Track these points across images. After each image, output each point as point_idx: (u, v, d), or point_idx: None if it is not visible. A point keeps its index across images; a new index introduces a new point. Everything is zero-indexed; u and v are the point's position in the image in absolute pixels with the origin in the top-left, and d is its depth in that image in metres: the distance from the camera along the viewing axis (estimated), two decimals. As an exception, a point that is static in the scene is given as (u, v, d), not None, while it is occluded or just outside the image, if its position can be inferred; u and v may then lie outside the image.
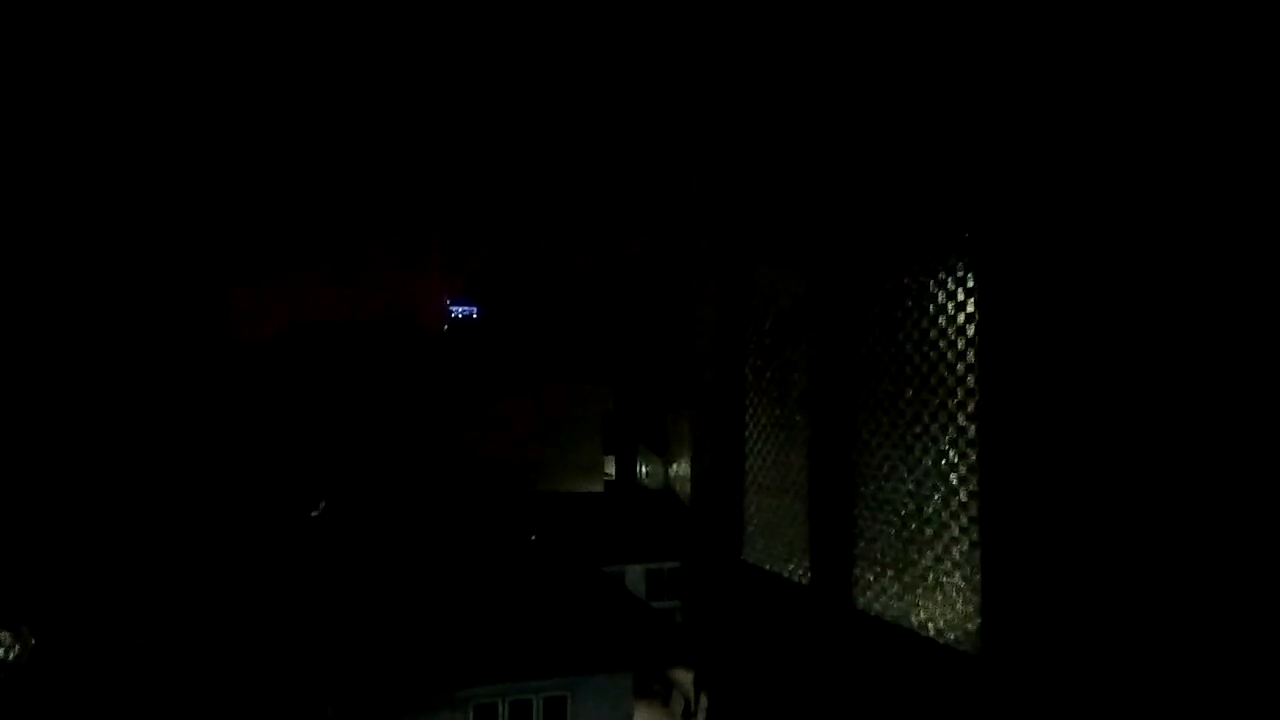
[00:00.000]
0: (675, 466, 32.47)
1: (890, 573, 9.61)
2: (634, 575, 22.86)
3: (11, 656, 14.74)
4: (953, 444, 8.79)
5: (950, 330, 8.96)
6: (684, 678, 20.19)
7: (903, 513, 9.42)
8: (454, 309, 41.99)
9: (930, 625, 8.90)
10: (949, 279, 8.95)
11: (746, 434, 13.42)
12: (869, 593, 10.02)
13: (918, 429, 9.20)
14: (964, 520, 8.60)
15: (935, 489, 8.96)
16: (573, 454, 30.52)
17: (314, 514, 23.37)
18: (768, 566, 12.46)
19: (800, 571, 11.69)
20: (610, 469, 33.08)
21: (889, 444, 9.71)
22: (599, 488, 30.96)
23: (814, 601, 10.90)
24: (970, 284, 8.60)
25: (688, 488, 31.46)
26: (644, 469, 33.77)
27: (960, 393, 8.72)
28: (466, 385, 30.64)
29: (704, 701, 19.78)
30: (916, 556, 9.23)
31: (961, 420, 8.62)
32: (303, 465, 25.21)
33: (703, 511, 14.98)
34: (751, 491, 13.37)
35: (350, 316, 33.18)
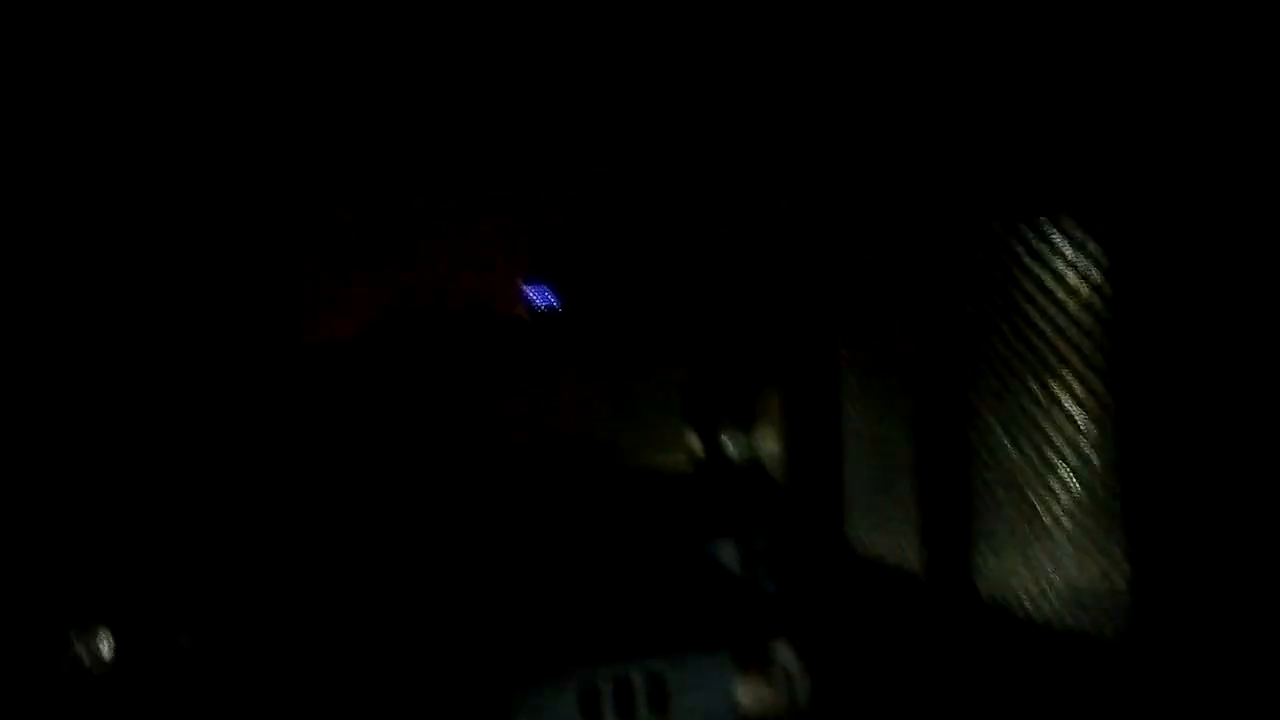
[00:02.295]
0: (761, 440, 32.09)
1: (1016, 556, 9.08)
2: (728, 551, 22.71)
3: (108, 654, 15.42)
4: (1084, 407, 8.21)
5: (1075, 279, 8.26)
6: (787, 653, 20.02)
7: (1028, 490, 8.85)
8: (532, 292, 42.25)
9: (1063, 612, 8.39)
10: (1073, 224, 8.23)
11: (843, 412, 13.01)
12: (992, 577, 9.52)
13: (1039, 393, 8.62)
14: (1103, 494, 8.01)
15: (1066, 461, 8.40)
16: (654, 431, 30.47)
17: (413, 498, 23.99)
18: (872, 548, 12.10)
19: (910, 554, 11.27)
20: (695, 443, 32.92)
21: (1006, 413, 9.11)
22: (684, 464, 30.86)
23: (928, 585, 10.48)
24: (1100, 228, 7.90)
25: (774, 461, 31.03)
26: (729, 444, 33.50)
27: (1090, 350, 8.06)
28: (547, 366, 30.89)
29: (806, 677, 19.58)
30: (1047, 538, 8.67)
31: (1094, 382, 8.00)
32: (395, 454, 25.89)
33: (798, 491, 14.70)
34: (850, 471, 12.95)
35: (434, 304, 33.74)
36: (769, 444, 31.44)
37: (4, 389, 13.44)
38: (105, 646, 15.85)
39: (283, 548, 18.44)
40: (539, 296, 43.21)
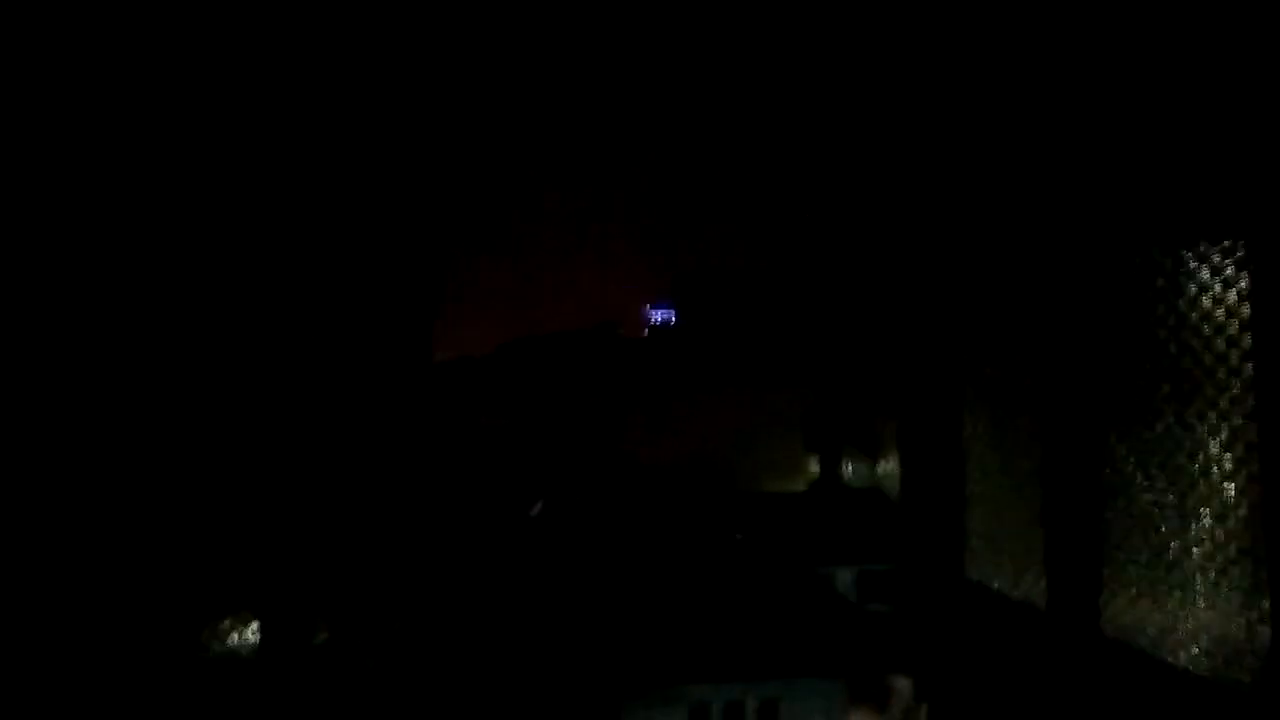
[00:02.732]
0: (883, 465, 31.35)
1: (1148, 597, 8.63)
2: (844, 577, 22.35)
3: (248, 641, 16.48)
4: (1226, 446, 7.73)
5: (1218, 311, 7.85)
6: (903, 685, 19.47)
7: (1163, 529, 8.41)
8: (654, 314, 43.01)
9: (1197, 657, 7.95)
10: (1215, 252, 7.86)
11: (966, 444, 12.71)
12: (1121, 618, 9.09)
13: (1179, 430, 8.19)
14: (1248, 540, 7.50)
15: (1206, 500, 7.94)
16: (774, 454, 30.35)
17: (533, 513, 25.00)
18: (994, 584, 11.73)
19: (1035, 591, 10.88)
20: (814, 468, 32.52)
21: (1143, 448, 8.70)
22: (801, 487, 30.54)
23: (1052, 621, 10.08)
24: (1245, 257, 7.48)
25: (896, 486, 30.27)
26: (849, 468, 32.89)
27: (1234, 384, 7.63)
28: (666, 389, 31.39)
29: (924, 713, 18.96)
30: (1183, 579, 8.18)
31: (1237, 418, 7.56)
32: (523, 469, 27.03)
33: (916, 522, 14.39)
34: (973, 504, 12.62)
35: (559, 328, 34.98)
36: (890, 471, 30.67)
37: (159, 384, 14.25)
38: (251, 635, 17.15)
39: (415, 554, 19.61)
40: (663, 317, 44.04)
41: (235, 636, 16.60)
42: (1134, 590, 8.89)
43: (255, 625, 16.83)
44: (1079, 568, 9.72)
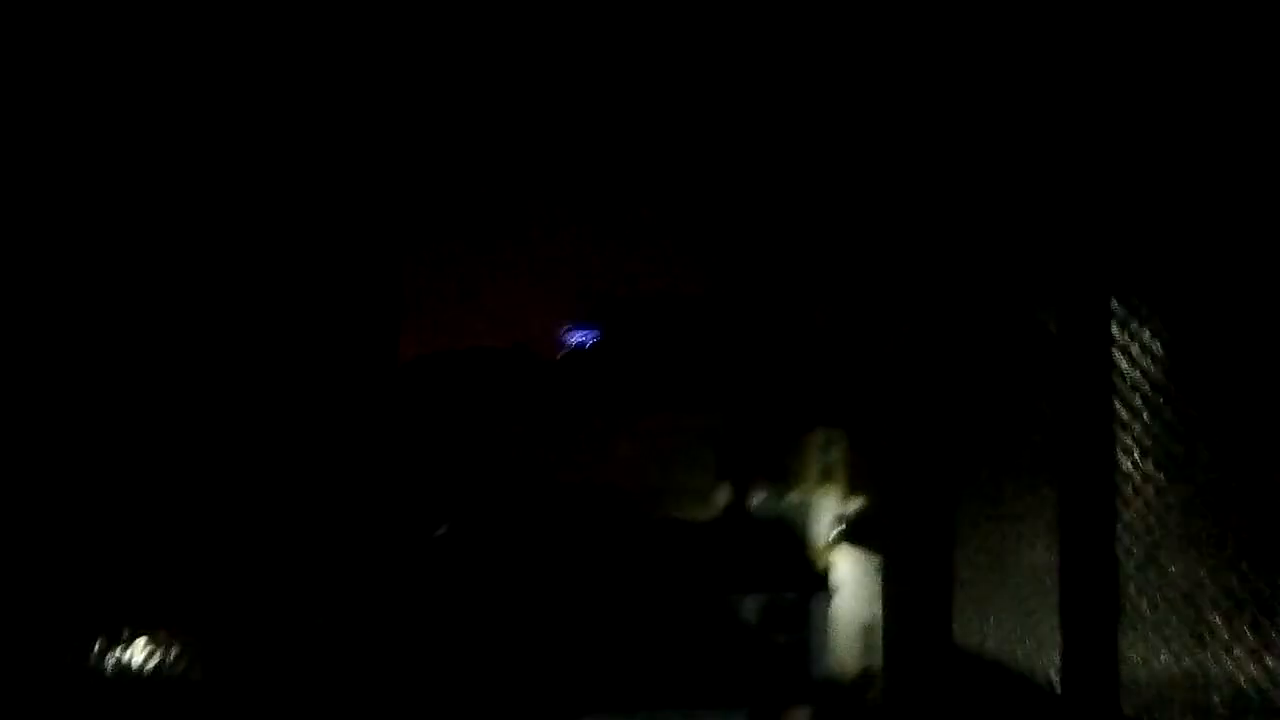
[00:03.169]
0: (791, 495, 31.67)
1: (1175, 671, 8.08)
2: (748, 607, 22.36)
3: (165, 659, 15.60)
4: (1265, 515, 6.58)
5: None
6: (800, 717, 19.51)
7: (1195, 600, 7.33)
8: (569, 336, 42.71)
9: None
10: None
11: (959, 518, 11.74)
12: (1141, 691, 8.36)
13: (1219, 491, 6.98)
14: None
15: (1243, 572, 6.82)
16: (683, 480, 30.27)
17: (438, 534, 24.20)
18: (988, 648, 10.84)
19: (1039, 659, 9.97)
20: (723, 497, 32.60)
21: (1176, 511, 7.55)
22: (711, 516, 30.55)
23: (1062, 695, 9.17)
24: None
25: (803, 516, 30.48)
26: (758, 497, 33.11)
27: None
28: (577, 412, 31.01)
29: (823, 742, 19.02)
30: (1216, 652, 7.14)
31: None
32: (428, 490, 26.19)
33: (894, 571, 13.39)
34: (965, 561, 11.86)
35: (473, 345, 34.22)
36: (797, 498, 31.01)
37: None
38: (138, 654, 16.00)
39: (307, 566, 18.66)
40: (582, 339, 43.81)
41: (119, 654, 15.43)
42: (1158, 663, 7.90)
43: (142, 642, 15.72)
44: (1093, 639, 8.73)
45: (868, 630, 24.87)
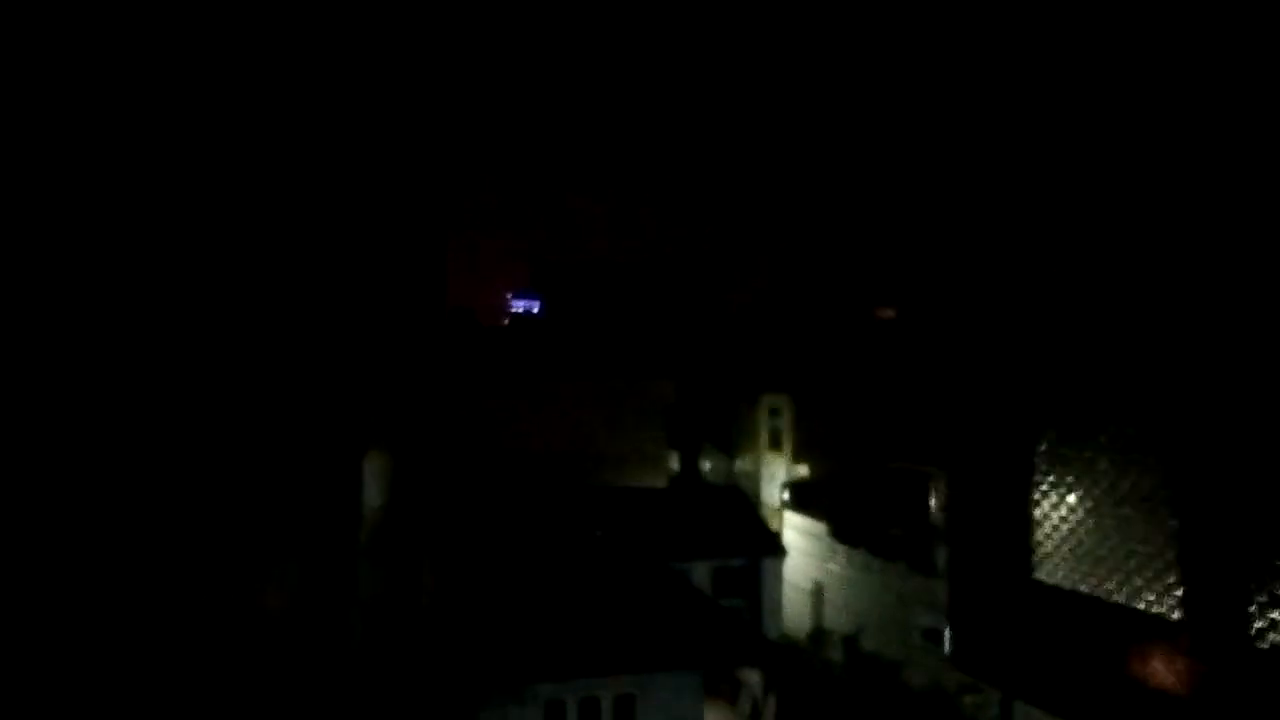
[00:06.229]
0: (740, 461, 31.97)
1: None
2: (700, 572, 22.51)
3: None
4: None
5: None
6: (751, 678, 19.81)
7: None
8: (515, 303, 42.07)
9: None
10: None
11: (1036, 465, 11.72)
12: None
13: None
14: None
15: None
16: (635, 448, 30.30)
17: (381, 503, 23.68)
18: (1084, 589, 10.83)
19: (1155, 600, 9.96)
20: (674, 463, 32.75)
21: None
22: (662, 482, 30.69)
23: (1184, 637, 9.23)
24: None
25: (752, 483, 30.78)
26: (708, 463, 33.36)
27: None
28: (526, 379, 30.68)
29: (771, 703, 19.37)
30: None
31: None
32: (374, 454, 25.57)
33: (969, 528, 13.33)
34: (1046, 506, 11.92)
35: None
36: (746, 464, 31.35)
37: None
38: None
39: (252, 538, 18.02)
40: (525, 306, 43.10)
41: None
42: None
43: None
44: (1225, 574, 8.89)
45: (816, 592, 25.43)
